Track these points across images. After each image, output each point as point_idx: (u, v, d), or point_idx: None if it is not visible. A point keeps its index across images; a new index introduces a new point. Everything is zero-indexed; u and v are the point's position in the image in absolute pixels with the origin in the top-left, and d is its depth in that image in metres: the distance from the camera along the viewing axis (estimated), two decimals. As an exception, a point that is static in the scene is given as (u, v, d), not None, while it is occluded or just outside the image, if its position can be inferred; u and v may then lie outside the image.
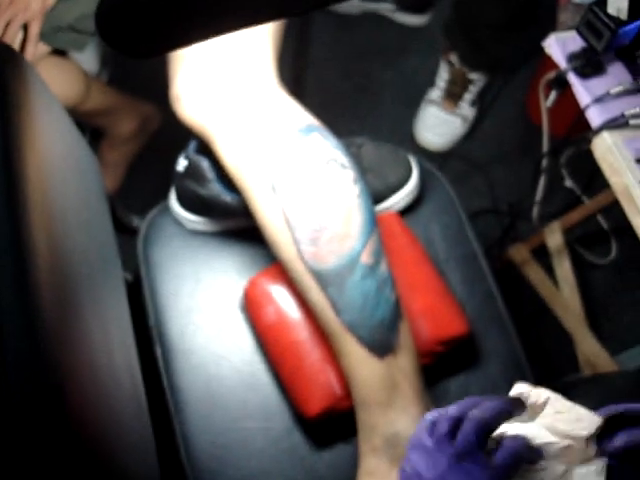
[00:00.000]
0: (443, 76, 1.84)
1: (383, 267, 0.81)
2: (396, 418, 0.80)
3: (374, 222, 0.82)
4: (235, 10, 0.51)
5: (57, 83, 1.23)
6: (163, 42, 0.57)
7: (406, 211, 1.05)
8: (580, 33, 1.01)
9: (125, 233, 1.10)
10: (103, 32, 0.55)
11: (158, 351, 0.96)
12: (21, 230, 0.55)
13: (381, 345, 0.80)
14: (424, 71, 1.95)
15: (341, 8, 2.02)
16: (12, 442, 0.48)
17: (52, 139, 0.73)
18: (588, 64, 1.03)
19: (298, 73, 1.52)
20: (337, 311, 0.79)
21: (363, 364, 0.80)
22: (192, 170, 0.94)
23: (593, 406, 0.83)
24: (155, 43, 0.56)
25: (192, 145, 0.95)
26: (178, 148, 0.99)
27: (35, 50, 1.16)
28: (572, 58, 1.04)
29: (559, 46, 1.07)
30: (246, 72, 0.84)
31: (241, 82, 0.84)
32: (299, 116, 0.83)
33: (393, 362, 0.80)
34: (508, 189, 1.82)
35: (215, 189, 0.93)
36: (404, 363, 0.81)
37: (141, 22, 0.53)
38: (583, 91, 1.03)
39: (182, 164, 0.96)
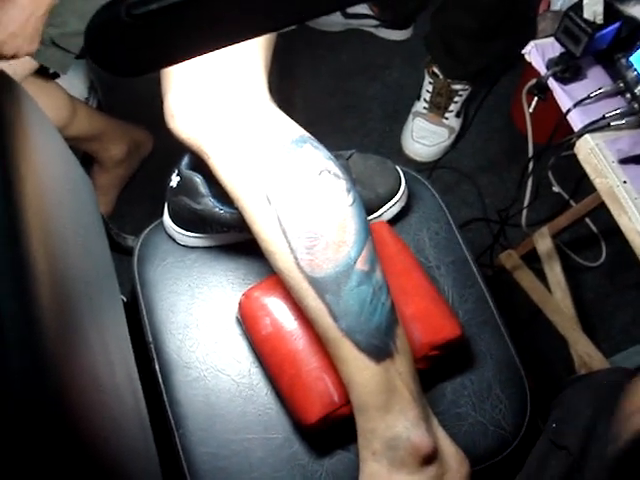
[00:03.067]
0: (427, 88, 1.86)
1: (378, 273, 0.83)
2: (395, 421, 0.81)
3: (368, 230, 0.83)
4: (226, 25, 0.52)
5: (41, 106, 1.24)
6: (153, 60, 0.58)
7: (396, 220, 1.07)
8: (558, 39, 1.03)
9: (120, 253, 1.11)
10: (92, 51, 0.56)
11: (157, 367, 0.97)
12: (21, 248, 0.56)
13: (379, 350, 0.81)
14: (409, 84, 1.97)
15: (324, 26, 2.04)
16: (15, 455, 0.49)
17: (47, 160, 0.74)
18: (568, 69, 1.05)
19: (287, 94, 1.53)
20: (334, 317, 0.80)
21: (361, 369, 0.81)
22: (185, 185, 0.95)
23: (586, 402, 0.84)
24: (145, 61, 0.57)
25: (184, 161, 0.96)
26: (171, 171, 1.00)
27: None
28: (552, 64, 1.06)
29: (539, 53, 1.09)
30: (238, 86, 0.86)
31: (233, 96, 0.86)
32: (291, 128, 0.85)
33: (391, 366, 0.81)
34: (497, 197, 1.84)
35: (209, 203, 0.94)
36: (401, 367, 0.82)
37: (130, 40, 0.54)
38: (564, 96, 1.05)
39: (175, 180, 0.97)
